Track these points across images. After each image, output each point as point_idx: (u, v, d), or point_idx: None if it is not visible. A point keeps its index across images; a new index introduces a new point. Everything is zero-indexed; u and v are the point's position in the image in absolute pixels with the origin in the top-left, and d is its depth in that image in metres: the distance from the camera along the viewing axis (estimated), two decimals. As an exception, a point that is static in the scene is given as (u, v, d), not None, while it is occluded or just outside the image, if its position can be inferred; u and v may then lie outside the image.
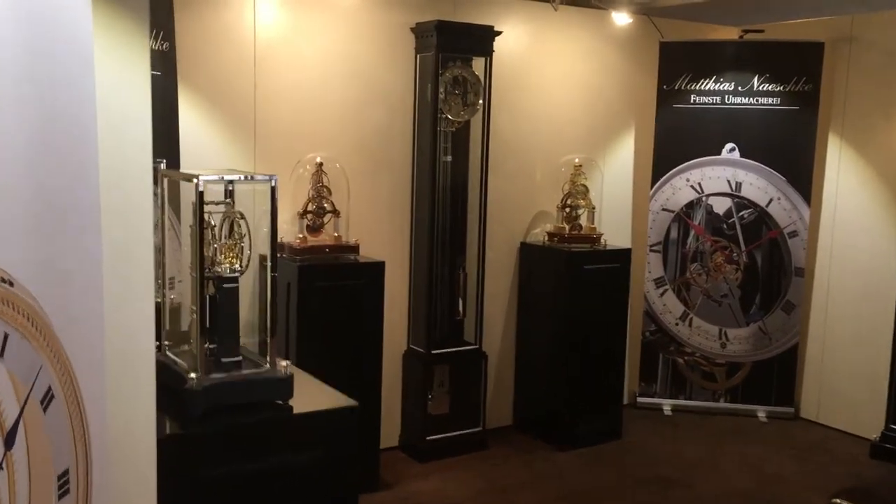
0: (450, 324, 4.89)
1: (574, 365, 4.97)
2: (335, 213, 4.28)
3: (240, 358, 2.15)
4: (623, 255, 5.09)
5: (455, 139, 4.75)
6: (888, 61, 5.14)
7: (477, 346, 4.88)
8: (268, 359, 2.16)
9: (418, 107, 4.67)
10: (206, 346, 2.12)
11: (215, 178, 2.12)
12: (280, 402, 2.16)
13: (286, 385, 2.16)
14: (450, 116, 4.63)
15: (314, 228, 4.28)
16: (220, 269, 2.12)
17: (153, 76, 3.79)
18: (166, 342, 2.27)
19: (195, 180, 2.05)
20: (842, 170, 5.41)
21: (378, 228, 4.64)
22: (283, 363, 2.15)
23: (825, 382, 5.52)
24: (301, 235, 4.20)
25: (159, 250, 2.36)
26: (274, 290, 2.16)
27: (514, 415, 5.31)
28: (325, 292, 4.09)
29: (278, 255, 4.17)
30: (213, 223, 2.14)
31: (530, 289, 5.17)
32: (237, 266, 2.14)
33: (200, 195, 2.03)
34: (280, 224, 4.23)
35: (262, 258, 2.20)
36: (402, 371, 4.85)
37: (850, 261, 5.37)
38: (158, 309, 2.32)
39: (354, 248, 4.29)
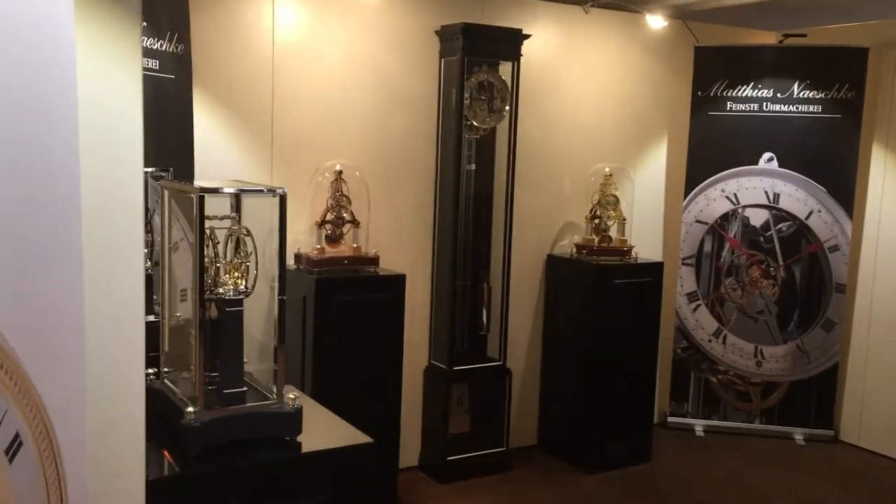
0: (473, 339, 4.70)
1: (602, 383, 4.75)
2: (355, 223, 4.11)
3: (244, 389, 1.96)
4: (655, 269, 4.86)
5: (480, 147, 4.56)
6: (937, 67, 4.88)
7: (501, 363, 4.68)
8: (275, 389, 1.96)
9: (442, 113, 4.48)
10: (207, 375, 1.94)
11: (216, 188, 1.93)
12: (287, 438, 1.96)
13: (294, 420, 1.96)
14: (475, 123, 4.44)
15: (333, 239, 4.10)
16: (223, 291, 1.94)
17: (166, 80, 3.65)
18: (166, 368, 2.09)
19: (193, 192, 1.87)
20: (887, 182, 5.15)
21: (399, 239, 4.45)
22: (292, 395, 1.95)
23: (867, 404, 5.25)
24: (319, 246, 4.02)
25: (159, 265, 2.19)
26: (282, 314, 1.97)
27: (539, 434, 5.09)
28: (343, 306, 3.91)
29: (295, 266, 4.03)
30: (216, 240, 1.96)
31: (557, 303, 4.96)
32: (242, 287, 1.96)
33: (200, 209, 1.85)
34: (297, 234, 4.08)
35: (271, 279, 2.02)
36: (423, 388, 4.66)
37: (894, 277, 5.10)
38: (158, 330, 2.15)
39: (374, 260, 4.11)
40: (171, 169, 3.06)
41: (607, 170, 4.88)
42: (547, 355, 5.03)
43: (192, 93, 3.72)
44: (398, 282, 4.07)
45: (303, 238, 4.09)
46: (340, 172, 4.08)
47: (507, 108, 4.50)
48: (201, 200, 1.85)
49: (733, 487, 4.60)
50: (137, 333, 1.74)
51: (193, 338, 1.92)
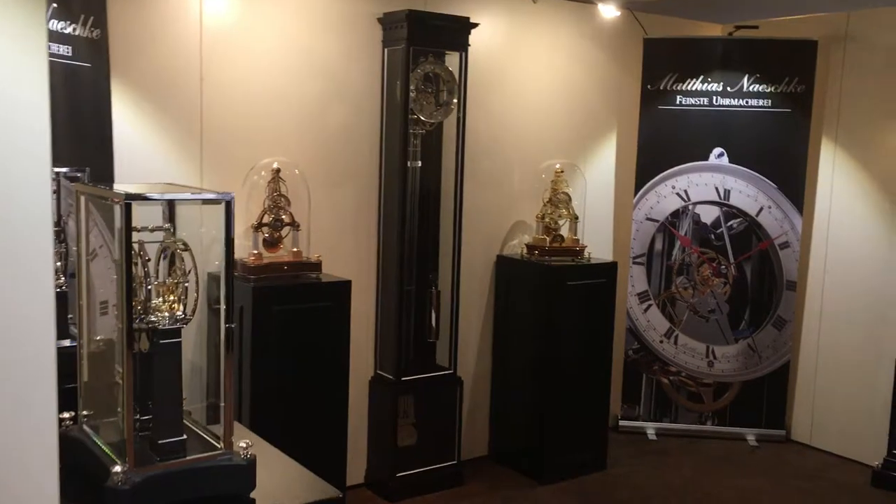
0: (421, 347, 4.42)
1: (556, 389, 4.53)
2: (294, 225, 3.78)
3: (183, 437, 1.63)
4: (608, 270, 4.67)
5: (426, 142, 4.28)
6: (886, 61, 4.81)
7: (451, 371, 4.41)
8: (221, 437, 1.64)
9: (386, 106, 4.19)
10: (138, 420, 1.60)
11: (147, 195, 1.60)
12: (239, 496, 1.63)
13: (247, 474, 1.62)
14: (422, 117, 4.16)
15: (271, 243, 3.77)
16: (156, 319, 1.61)
17: (82, 68, 3.26)
18: (85, 411, 1.74)
19: (117, 199, 1.53)
20: (836, 176, 5.07)
21: (342, 242, 4.15)
22: (243, 443, 1.63)
23: (819, 404, 5.18)
24: (256, 251, 3.69)
25: (76, 278, 1.85)
26: (230, 343, 1.65)
27: (491, 444, 4.85)
28: (283, 316, 3.59)
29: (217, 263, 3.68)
30: (146, 256, 1.63)
31: (508, 307, 4.72)
32: (179, 313, 1.64)
33: (127, 220, 1.52)
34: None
35: (214, 300, 1.70)
36: (369, 400, 4.36)
37: (845, 274, 5.03)
38: (74, 359, 1.81)
39: (316, 266, 3.80)
40: (88, 169, 2.70)
41: (558, 166, 4.67)
42: (498, 361, 4.79)
43: (111, 83, 3.35)
44: (343, 289, 3.77)
45: (238, 243, 3.74)
46: (278, 171, 3.75)
47: (455, 101, 4.23)
48: (128, 209, 1.52)
49: (691, 496, 4.45)
50: (47, 365, 1.41)
51: (120, 376, 1.59)
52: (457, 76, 4.22)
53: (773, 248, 5.17)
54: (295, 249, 3.78)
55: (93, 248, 2.39)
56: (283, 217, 3.76)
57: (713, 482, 4.62)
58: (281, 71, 3.89)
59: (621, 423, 5.30)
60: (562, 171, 4.64)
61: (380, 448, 4.32)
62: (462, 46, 4.22)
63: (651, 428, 5.31)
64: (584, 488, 4.50)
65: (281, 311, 3.58)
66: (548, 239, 4.61)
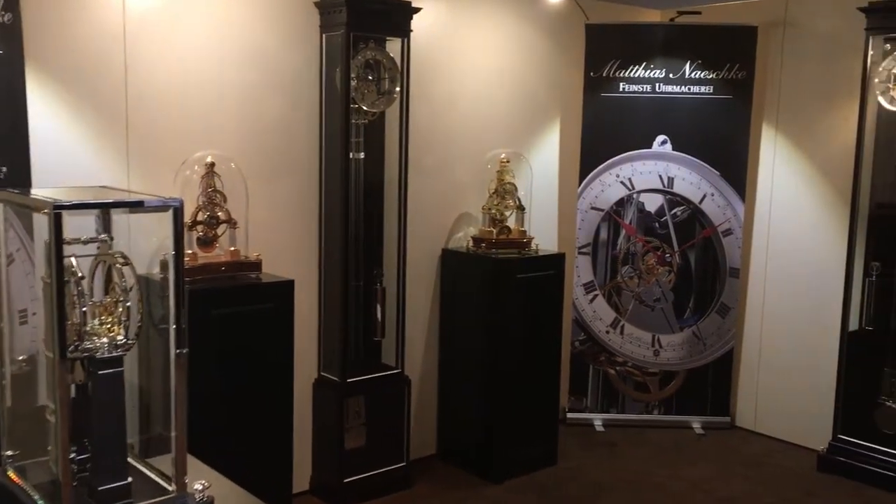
0: (367, 346, 4.25)
1: (505, 384, 4.42)
2: (231, 223, 3.56)
3: (128, 481, 1.43)
4: (556, 261, 4.57)
5: (369, 133, 4.09)
6: (824, 47, 4.82)
7: (399, 370, 4.26)
8: (173, 477, 1.44)
9: (326, 95, 3.98)
10: (74, 463, 1.39)
11: (79, 202, 1.38)
12: None
13: None
14: (363, 106, 3.97)
15: (206, 242, 3.53)
16: (93, 346, 1.40)
17: (-8, 55, 2.96)
18: (9, 451, 1.51)
19: (43, 209, 1.31)
20: (777, 163, 5.08)
21: (282, 239, 3.93)
22: (199, 484, 1.44)
23: (762, 390, 5.21)
24: (190, 252, 3.45)
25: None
26: (183, 369, 1.45)
27: (440, 443, 4.71)
28: (222, 321, 3.36)
29: (162, 276, 3.43)
30: (79, 273, 1.42)
31: (454, 301, 4.58)
32: (120, 338, 1.43)
33: (57, 232, 1.30)
34: (163, 239, 3.48)
35: (159, 319, 1.49)
36: (313, 403, 4.17)
37: (787, 260, 5.05)
38: None
39: (256, 265, 3.58)
40: (4, 168, 2.44)
41: (503, 156, 4.53)
42: (445, 358, 4.65)
43: (25, 73, 3.07)
44: (285, 289, 3.57)
45: (170, 243, 3.49)
46: (212, 165, 3.51)
47: (398, 89, 4.05)
48: (57, 220, 1.31)
49: (643, 488, 4.40)
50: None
51: (51, 412, 1.38)
52: (399, 63, 4.04)
53: (717, 236, 5.16)
54: (232, 248, 3.55)
55: (9, 252, 2.16)
56: (219, 214, 3.53)
57: (663, 473, 4.58)
58: (213, 59, 3.64)
59: (569, 415, 5.23)
60: (507, 161, 4.51)
61: (326, 453, 4.14)
62: (404, 32, 4.04)
63: (598, 419, 5.25)
64: (537, 484, 4.40)
65: (219, 315, 3.35)
66: (494, 231, 4.48)
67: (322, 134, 3.99)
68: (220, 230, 3.54)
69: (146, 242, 1.54)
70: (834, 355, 4.63)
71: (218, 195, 3.52)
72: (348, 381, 4.04)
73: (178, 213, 1.42)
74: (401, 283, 4.22)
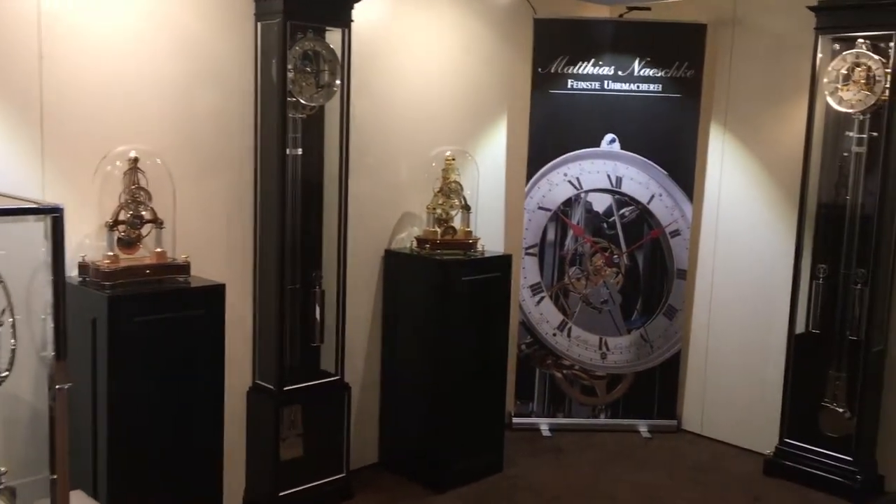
0: (305, 352, 4.04)
1: (450, 391, 4.25)
2: (157, 222, 3.32)
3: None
4: (503, 263, 4.43)
5: (307, 128, 3.88)
6: (772, 45, 4.77)
7: (338, 377, 4.06)
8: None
9: (261, 88, 3.76)
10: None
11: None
12: None
13: None
14: (301, 100, 3.76)
15: (129, 243, 3.29)
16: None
17: None
18: None
19: None
20: (725, 163, 5.02)
21: (213, 240, 3.71)
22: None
23: (709, 393, 5.15)
24: (111, 253, 3.21)
25: None
26: (64, 409, 1.25)
27: (382, 452, 4.53)
28: (146, 328, 3.12)
29: (81, 279, 3.19)
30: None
31: (397, 305, 4.40)
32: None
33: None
34: (81, 238, 3.24)
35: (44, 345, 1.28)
36: (247, 412, 3.95)
37: (734, 261, 5.00)
38: None
39: (184, 268, 3.35)
40: None
41: (449, 153, 4.36)
42: (387, 363, 4.47)
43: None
44: (216, 294, 3.34)
45: (89, 243, 3.25)
46: (136, 160, 3.27)
47: (338, 82, 3.85)
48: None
49: (592, 496, 4.29)
50: None
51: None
52: (339, 55, 3.84)
53: (665, 237, 5.08)
54: (158, 250, 3.32)
55: None
56: (144, 213, 3.29)
57: (611, 479, 4.48)
58: (138, 46, 3.39)
59: (515, 420, 5.10)
60: (453, 159, 4.35)
61: (261, 465, 3.93)
62: (344, 22, 3.84)
63: (545, 424, 5.13)
64: (483, 494, 4.26)
65: (143, 323, 3.11)
66: (439, 231, 4.31)
67: (257, 128, 3.77)
68: (144, 230, 3.31)
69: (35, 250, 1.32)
70: (781, 358, 4.59)
71: (142, 193, 3.28)
72: (285, 389, 3.84)
73: (57, 222, 1.21)
74: (341, 285, 4.03)
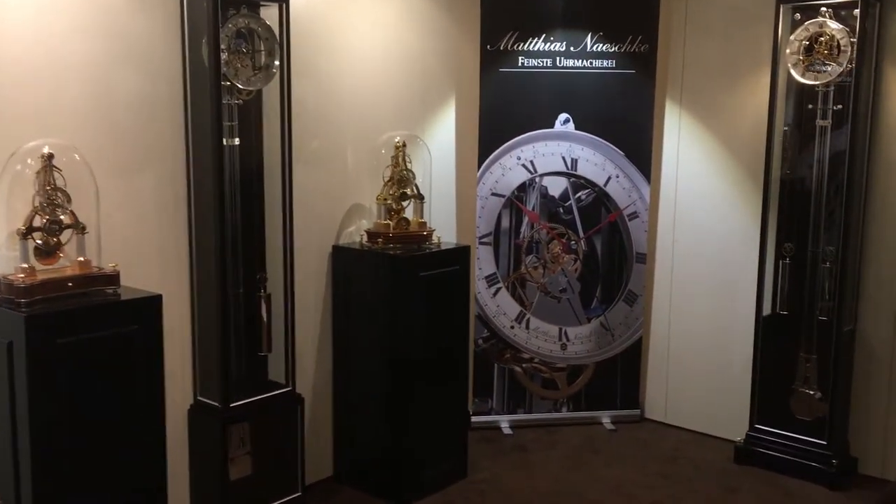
0: (251, 363, 3.67)
1: (408, 395, 3.94)
2: (78, 227, 2.89)
3: None
4: (461, 255, 4.13)
5: (244, 115, 3.49)
6: (727, 18, 4.58)
7: (289, 388, 3.71)
8: None
9: (190, 71, 3.35)
10: None
11: None
12: None
13: None
14: (237, 84, 3.37)
15: (47, 253, 2.86)
16: None
17: None
18: None
19: None
20: (682, 142, 4.83)
21: (144, 244, 3.30)
22: None
23: (672, 379, 4.98)
24: (26, 265, 2.77)
25: None
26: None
27: (337, 464, 4.19)
28: (71, 351, 2.71)
29: (-10, 298, 2.75)
30: None
31: (348, 304, 4.06)
32: None
33: None
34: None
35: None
36: (189, 432, 3.57)
37: (695, 243, 4.82)
38: None
39: (112, 278, 2.93)
40: None
41: (398, 139, 4.03)
42: (340, 368, 4.13)
43: None
44: (151, 306, 2.94)
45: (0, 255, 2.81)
46: (51, 157, 2.83)
47: (277, 63, 3.47)
48: None
49: (561, 497, 4.05)
50: None
51: None
52: (277, 33, 3.46)
53: (622, 220, 4.87)
54: (81, 259, 2.90)
55: None
56: (62, 217, 2.86)
57: (581, 479, 4.25)
58: (47, 25, 2.94)
59: (473, 419, 4.82)
60: (403, 145, 4.01)
61: (206, 489, 3.55)
62: (282, -4, 3.47)
63: (505, 421, 4.88)
64: (448, 503, 3.98)
65: (68, 344, 2.69)
66: (391, 224, 3.98)
67: (187, 117, 3.37)
68: (64, 237, 2.87)
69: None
70: (746, 341, 4.44)
71: (59, 194, 2.84)
72: (231, 405, 3.46)
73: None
74: (288, 287, 3.67)
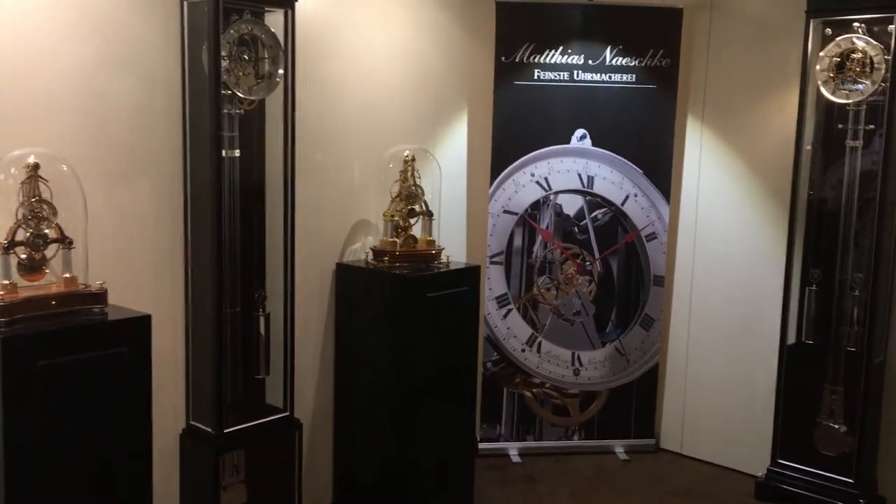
0: (248, 385, 3.49)
1: (413, 421, 3.75)
2: (65, 242, 2.72)
3: None
4: (471, 275, 3.94)
5: (245, 125, 3.32)
6: (753, 31, 4.40)
7: (287, 413, 3.52)
8: None
9: (189, 78, 3.19)
10: None
11: None
12: None
13: None
14: (238, 93, 3.20)
15: (31, 269, 2.69)
16: None
17: None
18: None
19: None
20: (704, 160, 4.63)
21: (135, 261, 3.12)
22: None
23: (689, 408, 4.76)
24: (7, 282, 2.60)
25: None
26: None
27: (336, 492, 4.00)
28: (54, 373, 2.53)
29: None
30: None
31: (352, 326, 3.88)
32: None
33: None
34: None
35: None
36: (181, 458, 3.38)
37: (716, 267, 4.62)
38: None
39: (99, 296, 2.75)
40: None
41: (407, 153, 3.85)
42: (342, 392, 3.94)
43: None
44: (140, 327, 2.76)
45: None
46: (37, 167, 2.66)
47: (281, 71, 3.31)
48: None
49: (574, 532, 3.86)
50: None
51: None
52: (282, 40, 3.30)
53: (640, 241, 4.67)
54: (67, 275, 2.72)
55: None
56: (47, 231, 2.69)
57: (594, 512, 4.06)
58: (39, 28, 2.78)
59: (481, 445, 4.62)
60: (412, 160, 3.83)
61: (197, 519, 3.36)
62: (287, 2, 3.30)
63: (514, 449, 4.68)
64: (452, 537, 3.78)
65: (50, 367, 2.52)
66: (398, 241, 3.80)
67: (186, 126, 3.20)
68: (49, 252, 2.70)
69: None
70: (769, 371, 4.23)
71: (45, 206, 2.67)
72: (225, 431, 3.28)
73: None
74: (288, 307, 3.48)
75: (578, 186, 4.58)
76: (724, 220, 4.56)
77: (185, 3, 3.15)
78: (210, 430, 3.28)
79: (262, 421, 3.44)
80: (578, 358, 4.69)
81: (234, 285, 3.34)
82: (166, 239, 3.21)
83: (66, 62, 2.87)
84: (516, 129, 4.47)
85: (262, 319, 3.43)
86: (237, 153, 3.27)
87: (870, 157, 3.90)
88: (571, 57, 4.49)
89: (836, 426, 4.04)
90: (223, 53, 3.09)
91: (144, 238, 3.15)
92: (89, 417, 2.65)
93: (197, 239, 3.23)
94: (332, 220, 3.85)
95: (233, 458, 3.33)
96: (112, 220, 3.01)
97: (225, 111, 3.16)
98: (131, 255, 3.10)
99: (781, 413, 4.17)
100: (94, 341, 2.66)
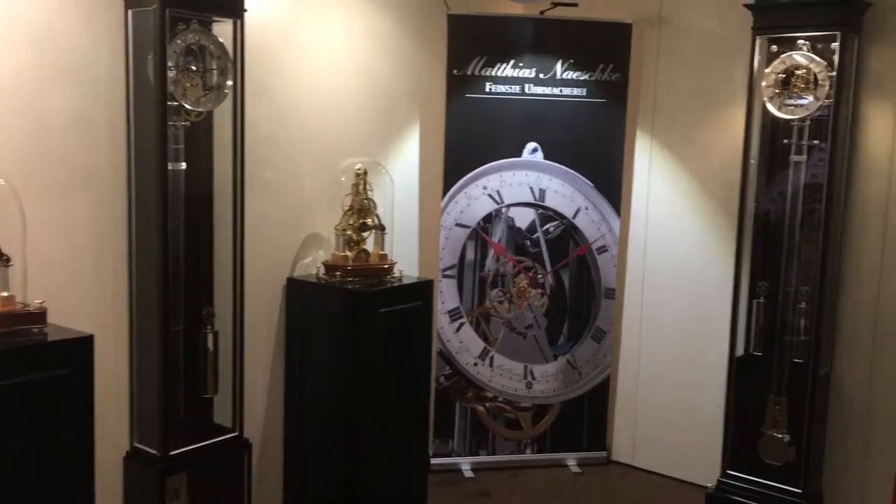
0: (194, 405, 3.39)
1: (367, 439, 3.68)
2: (1, 259, 2.61)
3: None
4: (424, 289, 3.91)
5: (192, 138, 3.23)
6: (700, 46, 4.45)
7: (236, 433, 3.43)
8: None
9: (134, 89, 3.10)
10: None
11: None
12: None
13: None
14: (185, 105, 3.11)
15: (-37, 288, 2.57)
16: None
17: None
18: None
19: None
20: (653, 173, 4.67)
21: (76, 279, 3.01)
22: None
23: (641, 421, 4.78)
24: (-61, 302, 2.48)
25: None
26: None
27: (286, 514, 3.92)
28: (-12, 398, 2.42)
29: None
30: None
31: (303, 342, 3.80)
32: None
33: None
34: None
35: None
36: (124, 483, 3.27)
37: (665, 279, 4.65)
38: None
39: (39, 316, 2.65)
40: None
41: (359, 166, 3.80)
42: (293, 411, 3.86)
43: None
44: (82, 347, 2.66)
45: None
46: (-29, 181, 2.55)
47: (230, 83, 3.23)
48: None
49: (529, 548, 3.83)
50: None
51: None
52: (231, 51, 3.22)
53: (591, 253, 4.68)
54: (5, 294, 2.61)
55: None
56: (-17, 248, 2.58)
57: (547, 527, 4.04)
58: (-29, 35, 2.68)
59: (433, 460, 4.57)
60: (364, 173, 3.78)
61: (142, 544, 3.25)
62: (236, 11, 3.23)
63: (467, 463, 4.64)
64: (405, 556, 3.72)
65: (-16, 391, 2.41)
66: (350, 256, 3.74)
67: (130, 139, 3.11)
68: (-16, 270, 2.59)
69: None
70: (719, 382, 4.25)
71: (-20, 223, 2.57)
72: (171, 453, 3.18)
73: None
74: (237, 323, 3.40)
75: (530, 199, 4.57)
76: (674, 232, 4.60)
77: (130, 12, 3.07)
78: (155, 452, 3.18)
79: (209, 442, 3.35)
80: (531, 371, 4.68)
81: (180, 302, 3.24)
82: (109, 255, 3.10)
83: (2, 73, 2.75)
84: (468, 141, 4.45)
85: (210, 336, 3.33)
86: (183, 166, 3.18)
87: (813, 171, 3.96)
88: (523, 70, 4.49)
89: (780, 436, 4.08)
90: (170, 64, 3.01)
91: (86, 255, 3.04)
92: (29, 442, 2.54)
93: (141, 255, 3.13)
94: (282, 233, 3.78)
95: (177, 482, 3.23)
96: (52, 236, 2.90)
97: (171, 123, 3.07)
98: (72, 273, 2.99)
99: (731, 424, 4.20)
100: (34, 363, 2.55)
